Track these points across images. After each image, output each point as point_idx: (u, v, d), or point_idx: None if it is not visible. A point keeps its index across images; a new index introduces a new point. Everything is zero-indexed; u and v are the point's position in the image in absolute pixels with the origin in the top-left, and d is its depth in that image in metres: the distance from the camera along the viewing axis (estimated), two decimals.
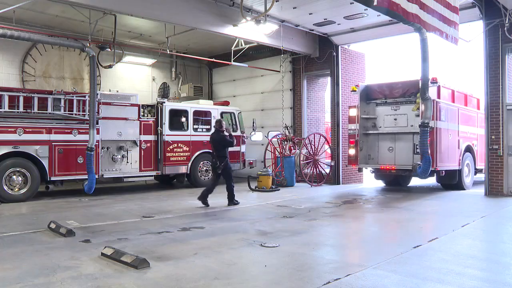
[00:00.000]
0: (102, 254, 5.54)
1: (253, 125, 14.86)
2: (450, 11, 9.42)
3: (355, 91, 13.06)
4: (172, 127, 13.46)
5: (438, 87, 12.09)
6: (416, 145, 11.12)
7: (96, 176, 10.50)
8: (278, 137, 15.33)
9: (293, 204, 10.47)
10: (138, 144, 12.77)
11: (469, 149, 13.24)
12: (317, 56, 16.03)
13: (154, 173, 13.28)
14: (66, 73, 16.27)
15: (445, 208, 9.85)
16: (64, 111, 11.34)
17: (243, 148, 15.38)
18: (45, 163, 10.94)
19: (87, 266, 5.16)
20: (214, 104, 15.72)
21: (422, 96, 9.69)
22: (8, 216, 8.79)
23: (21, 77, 15.19)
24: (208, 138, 14.17)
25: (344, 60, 15.74)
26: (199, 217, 8.65)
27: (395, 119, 12.62)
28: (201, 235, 7.04)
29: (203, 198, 9.94)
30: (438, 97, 12.08)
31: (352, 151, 12.97)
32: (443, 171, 11.79)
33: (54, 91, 11.41)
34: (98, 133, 11.50)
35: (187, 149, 13.73)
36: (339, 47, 15.68)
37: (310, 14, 13.14)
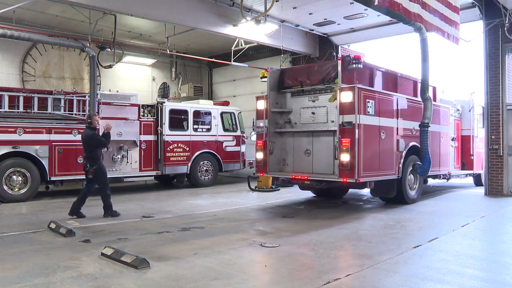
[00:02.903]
0: (102, 254, 5.54)
1: (253, 125, 14.85)
2: (451, 10, 9.44)
3: (265, 77, 10.28)
4: (172, 127, 13.46)
5: (359, 72, 9.17)
6: (337, 147, 8.56)
7: None
8: None
9: (293, 204, 10.47)
10: (138, 144, 12.77)
11: (415, 150, 10.19)
12: (317, 56, 16.03)
13: (154, 173, 13.28)
14: (66, 73, 16.27)
15: (445, 208, 9.85)
16: (64, 111, 11.35)
17: (243, 148, 15.38)
18: (45, 163, 10.94)
19: (87, 266, 5.16)
20: (214, 104, 15.72)
21: (422, 96, 9.71)
22: (8, 216, 8.79)
23: (21, 77, 15.19)
24: (208, 139, 14.35)
25: None
26: (199, 217, 8.65)
27: (313, 113, 9.63)
28: (201, 235, 7.03)
29: (73, 211, 8.55)
30: (366, 83, 9.45)
31: (259, 155, 9.92)
32: (372, 182, 8.93)
33: (54, 91, 11.42)
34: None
35: (187, 149, 13.72)
36: (339, 47, 15.68)
37: (310, 14, 13.14)
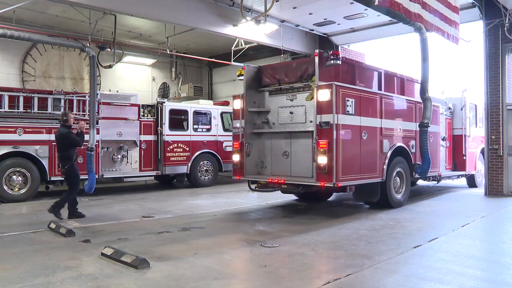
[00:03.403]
0: (102, 254, 5.54)
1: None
2: (451, 10, 9.45)
3: (241, 75, 9.61)
4: (172, 127, 13.45)
5: (339, 68, 8.64)
6: (314, 149, 8.09)
7: (96, 176, 10.49)
8: None
9: (294, 204, 10.47)
10: (138, 144, 12.77)
11: (401, 152, 9.69)
12: None
13: (154, 173, 13.28)
14: (66, 73, 16.28)
15: (445, 208, 9.85)
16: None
17: None
18: (45, 163, 10.94)
19: (87, 266, 5.16)
20: (214, 104, 15.72)
21: (422, 96, 9.70)
22: (8, 216, 8.79)
23: (21, 77, 15.21)
24: (208, 139, 14.34)
25: None
26: (199, 217, 8.65)
27: (291, 113, 9.09)
28: (201, 235, 7.04)
29: (72, 214, 8.36)
30: (347, 80, 8.79)
31: (236, 157, 9.38)
32: (352, 186, 8.45)
33: (54, 91, 11.43)
34: (98, 133, 11.49)
35: (187, 149, 13.72)
36: (339, 47, 15.69)
37: (310, 14, 13.15)
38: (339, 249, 5.97)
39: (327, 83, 7.97)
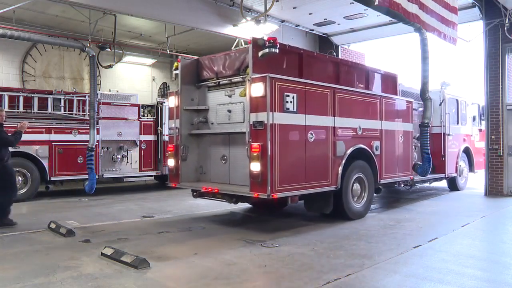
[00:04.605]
0: (102, 254, 5.54)
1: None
2: (449, 11, 9.44)
3: (176, 69, 8.36)
4: None
5: (280, 58, 7.47)
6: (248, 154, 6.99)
7: (96, 176, 10.49)
8: None
9: (293, 204, 10.45)
10: (138, 144, 12.77)
11: (362, 155, 8.44)
12: None
13: (154, 173, 13.28)
14: (66, 73, 16.28)
15: (445, 208, 9.85)
16: (64, 111, 11.36)
17: None
18: (45, 163, 10.95)
19: (87, 266, 5.16)
20: None
21: (422, 96, 9.71)
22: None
23: (21, 77, 15.20)
24: None
25: None
26: (199, 217, 8.65)
27: (229, 111, 7.81)
28: (201, 235, 7.04)
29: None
30: (293, 72, 7.59)
31: (171, 162, 8.28)
32: (295, 197, 7.21)
33: (54, 91, 11.44)
34: (98, 133, 11.50)
35: None
36: (339, 47, 15.70)
37: (310, 14, 13.15)
38: (339, 249, 5.97)
39: (261, 75, 6.70)
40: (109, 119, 12.18)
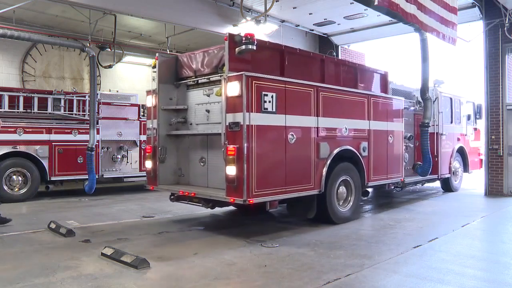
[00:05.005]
0: (102, 254, 5.54)
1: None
2: (448, 11, 9.43)
3: (154, 67, 8.09)
4: None
5: (259, 56, 7.07)
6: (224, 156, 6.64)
7: (96, 176, 10.50)
8: None
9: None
10: (138, 144, 12.77)
11: (348, 156, 8.08)
12: None
13: None
14: (66, 73, 16.28)
15: (445, 208, 9.85)
16: (64, 111, 11.36)
17: None
18: (45, 163, 10.95)
19: (87, 266, 5.16)
20: None
21: (422, 96, 9.72)
22: (8, 216, 8.77)
23: (21, 77, 15.20)
24: None
25: None
26: (199, 217, 8.65)
27: (208, 111, 7.53)
28: (201, 235, 7.04)
29: None
30: (274, 71, 7.20)
31: (148, 164, 7.98)
32: (274, 202, 6.85)
33: (54, 91, 11.44)
34: (98, 133, 11.51)
35: None
36: (339, 47, 15.71)
37: (310, 14, 13.15)
38: (339, 249, 5.97)
39: (236, 73, 6.38)
40: (109, 119, 12.17)
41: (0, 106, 10.45)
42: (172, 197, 7.80)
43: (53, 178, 11.12)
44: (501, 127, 11.76)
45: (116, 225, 7.75)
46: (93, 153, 9.68)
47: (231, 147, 6.29)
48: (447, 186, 12.50)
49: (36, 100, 10.95)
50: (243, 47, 6.56)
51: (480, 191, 12.43)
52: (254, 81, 6.38)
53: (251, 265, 5.25)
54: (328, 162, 7.51)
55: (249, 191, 6.22)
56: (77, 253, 5.74)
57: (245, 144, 6.22)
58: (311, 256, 5.62)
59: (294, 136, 6.94)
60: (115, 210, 9.53)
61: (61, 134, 11.26)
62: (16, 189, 10.61)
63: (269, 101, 6.58)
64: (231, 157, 6.29)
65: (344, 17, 13.36)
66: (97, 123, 11.19)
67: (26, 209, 9.75)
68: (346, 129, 8.00)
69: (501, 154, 11.74)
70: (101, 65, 15.22)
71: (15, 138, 10.55)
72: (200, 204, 7.27)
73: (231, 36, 6.65)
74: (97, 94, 11.70)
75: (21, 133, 10.65)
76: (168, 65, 8.05)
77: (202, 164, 7.64)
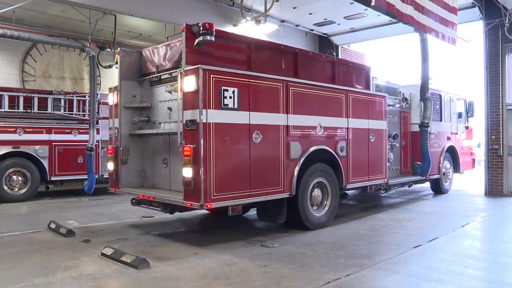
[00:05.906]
0: (102, 254, 5.54)
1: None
2: (448, 11, 9.42)
3: (116, 63, 7.71)
4: None
5: (225, 48, 6.69)
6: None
7: (96, 176, 10.50)
8: None
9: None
10: None
11: (323, 157, 7.51)
12: None
13: None
14: (66, 73, 16.28)
15: (445, 208, 9.85)
16: (64, 111, 11.37)
17: None
18: (45, 163, 10.95)
19: (87, 266, 5.16)
20: None
21: (422, 96, 9.72)
22: (8, 216, 8.79)
23: (21, 77, 15.20)
24: None
25: None
26: (199, 217, 8.65)
27: (169, 109, 7.02)
28: (201, 235, 7.04)
29: None
30: (240, 65, 6.77)
31: (110, 165, 7.43)
32: (237, 207, 6.24)
33: (54, 91, 11.45)
34: (98, 133, 11.49)
35: None
36: (339, 47, 15.71)
37: (310, 14, 13.15)
38: (339, 249, 5.97)
39: (193, 67, 5.90)
40: (109, 119, 12.15)
41: (0, 106, 10.45)
42: (133, 200, 7.12)
43: (53, 178, 11.13)
44: (501, 127, 11.76)
45: (116, 225, 7.75)
46: (92, 153, 9.68)
47: (187, 147, 5.83)
48: (437, 187, 11.94)
49: (36, 100, 10.96)
50: (201, 38, 6.06)
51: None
52: (212, 75, 5.88)
53: (251, 265, 5.25)
54: (300, 163, 6.97)
55: (207, 195, 5.74)
56: (77, 253, 5.74)
57: (202, 144, 5.73)
58: (311, 256, 5.62)
59: (260, 135, 6.42)
60: (115, 210, 9.54)
61: (61, 134, 11.27)
62: (16, 189, 10.62)
63: (230, 97, 6.07)
64: (187, 158, 5.81)
65: (344, 17, 13.36)
66: (97, 123, 11.16)
67: (26, 209, 9.75)
68: (321, 127, 7.44)
69: (501, 154, 11.73)
70: (101, 65, 15.21)
71: (15, 138, 10.56)
72: (159, 209, 6.72)
73: (188, 27, 6.09)
74: (97, 94, 11.69)
75: (21, 133, 10.65)
76: (131, 60, 7.61)
77: (164, 165, 7.11)
